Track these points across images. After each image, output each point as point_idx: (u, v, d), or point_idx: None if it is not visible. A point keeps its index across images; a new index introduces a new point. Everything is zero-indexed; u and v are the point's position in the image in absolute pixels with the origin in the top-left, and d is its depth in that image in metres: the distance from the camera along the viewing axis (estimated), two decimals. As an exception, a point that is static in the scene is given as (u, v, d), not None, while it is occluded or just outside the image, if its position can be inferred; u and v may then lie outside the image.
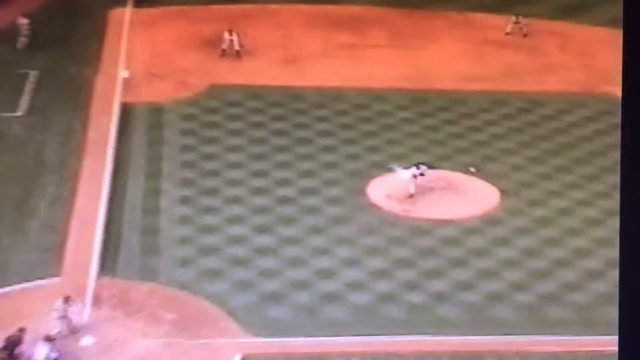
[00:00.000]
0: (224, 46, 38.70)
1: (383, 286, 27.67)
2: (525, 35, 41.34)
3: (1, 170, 32.45)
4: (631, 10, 5.88)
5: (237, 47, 38.62)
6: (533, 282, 28.07)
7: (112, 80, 37.40)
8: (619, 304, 6.30)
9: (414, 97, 37.04)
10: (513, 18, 41.72)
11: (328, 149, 34.09)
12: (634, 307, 6.20)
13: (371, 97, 37.27)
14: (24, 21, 39.87)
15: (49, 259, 28.15)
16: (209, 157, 33.49)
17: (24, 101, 35.90)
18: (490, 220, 30.69)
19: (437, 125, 35.68)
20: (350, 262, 28.66)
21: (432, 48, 40.63)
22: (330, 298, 27.34)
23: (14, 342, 24.94)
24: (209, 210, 30.54)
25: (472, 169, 33.02)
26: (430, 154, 33.74)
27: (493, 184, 32.27)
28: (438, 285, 27.76)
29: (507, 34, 40.89)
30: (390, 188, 31.76)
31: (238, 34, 38.72)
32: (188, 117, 35.71)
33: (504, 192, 31.82)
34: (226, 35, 38.79)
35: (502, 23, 41.41)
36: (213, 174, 32.58)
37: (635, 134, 5.94)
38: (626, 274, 6.23)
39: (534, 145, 34.68)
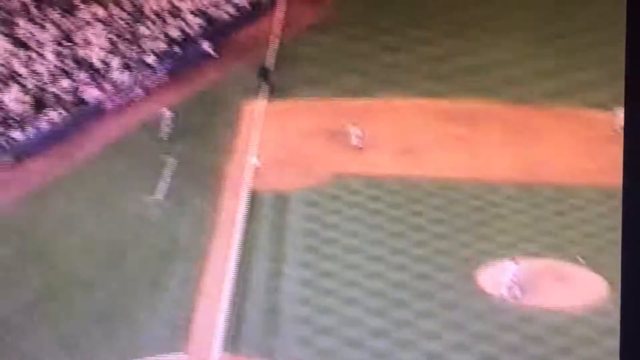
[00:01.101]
0: (352, 140, 38.91)
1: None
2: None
3: (139, 249, 32.92)
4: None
5: (358, 141, 38.70)
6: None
7: (242, 167, 37.93)
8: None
9: (524, 188, 35.98)
10: (621, 115, 40.65)
11: (441, 236, 33.40)
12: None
13: (483, 187, 36.39)
14: (166, 113, 41.00)
15: (177, 334, 28.15)
16: (329, 241, 33.15)
17: (163, 186, 36.65)
18: (597, 310, 29.21)
19: (546, 216, 34.55)
20: (460, 347, 27.82)
21: (542, 142, 39.86)
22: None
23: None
24: (327, 292, 30.08)
25: (581, 260, 31.83)
26: (540, 244, 32.63)
27: (601, 275, 30.75)
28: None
29: (615, 130, 39.93)
30: (499, 276, 30.79)
31: (361, 128, 38.88)
32: (311, 204, 35.63)
33: (612, 284, 30.35)
34: (351, 128, 39.06)
35: (610, 119, 40.61)
36: (332, 258, 32.24)
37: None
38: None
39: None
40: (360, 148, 38.44)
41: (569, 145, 39.56)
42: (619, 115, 41.61)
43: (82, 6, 47.87)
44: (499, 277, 31.11)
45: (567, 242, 32.81)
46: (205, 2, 51.10)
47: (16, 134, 38.48)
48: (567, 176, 36.99)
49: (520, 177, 36.93)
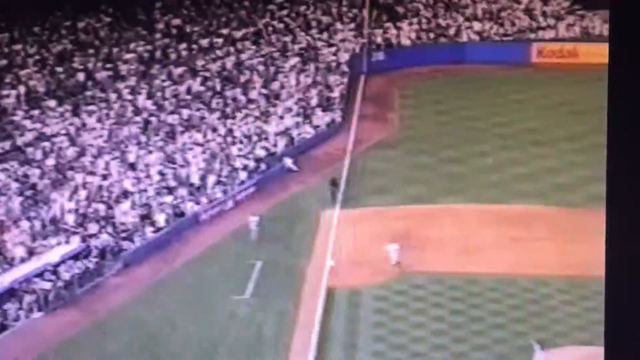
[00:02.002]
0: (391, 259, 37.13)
1: None
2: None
3: (229, 343, 32.64)
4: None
5: (397, 259, 37.04)
6: None
7: (321, 268, 37.52)
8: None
9: (573, 282, 35.09)
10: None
11: (499, 326, 32.58)
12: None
13: (536, 281, 35.63)
14: (254, 220, 41.22)
15: None
16: (396, 332, 32.68)
17: (250, 286, 36.70)
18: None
19: (595, 307, 33.48)
20: None
21: (589, 241, 38.98)
22: None
23: None
24: None
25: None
26: (590, 332, 31.57)
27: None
28: None
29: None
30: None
31: (402, 247, 37.52)
32: (380, 299, 35.11)
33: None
34: (389, 246, 37.34)
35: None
36: (400, 347, 31.63)
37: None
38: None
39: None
40: (399, 262, 36.96)
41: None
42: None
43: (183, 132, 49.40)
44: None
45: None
46: (287, 124, 52.24)
47: (125, 244, 39.18)
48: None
49: (570, 272, 35.75)
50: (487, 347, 31.24)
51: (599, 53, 59.69)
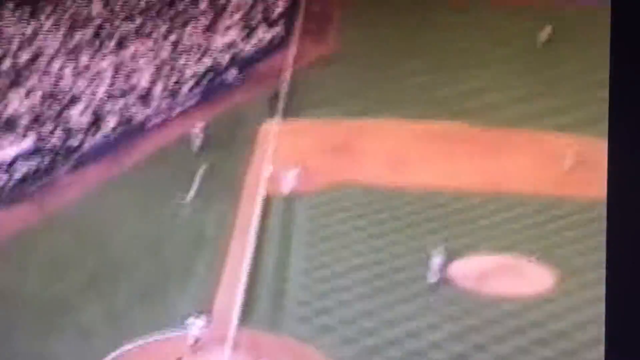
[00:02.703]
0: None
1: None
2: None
3: (173, 241, 33.26)
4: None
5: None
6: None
7: (259, 175, 38.00)
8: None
9: (495, 196, 36.15)
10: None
11: (414, 237, 33.32)
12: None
13: (457, 194, 36.32)
14: (198, 130, 40.94)
15: (202, 312, 28.36)
16: (327, 238, 33.61)
17: (193, 190, 36.78)
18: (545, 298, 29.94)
19: (508, 219, 34.61)
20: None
21: (506, 158, 39.71)
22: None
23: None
24: (323, 280, 30.61)
25: (532, 257, 32.14)
26: (501, 241, 32.82)
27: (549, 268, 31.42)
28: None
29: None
30: (466, 269, 31.46)
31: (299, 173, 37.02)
32: (314, 206, 35.84)
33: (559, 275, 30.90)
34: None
35: (567, 142, 40.67)
36: (328, 252, 32.59)
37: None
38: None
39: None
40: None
41: (528, 161, 39.59)
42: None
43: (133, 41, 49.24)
44: (466, 270, 31.84)
45: (522, 241, 33.13)
46: (231, 39, 52.23)
47: (76, 144, 39.31)
48: (524, 187, 37.10)
49: (486, 187, 37.26)
50: (403, 255, 32.23)
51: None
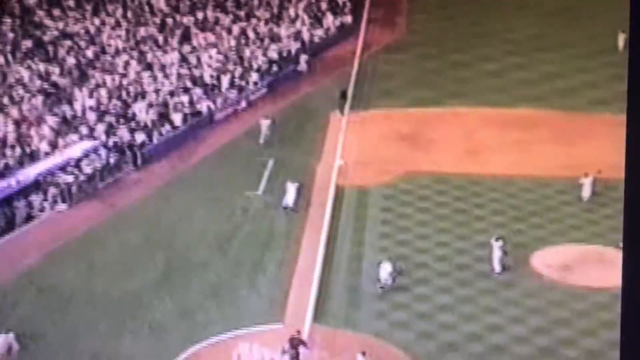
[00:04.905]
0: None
1: (541, 341, 26.18)
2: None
3: (243, 237, 32.68)
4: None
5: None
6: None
7: (330, 167, 37.62)
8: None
9: (572, 184, 34.75)
10: None
11: (499, 224, 32.50)
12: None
13: (536, 182, 35.35)
14: (266, 121, 41.02)
15: (275, 309, 27.95)
16: (402, 229, 32.59)
17: (263, 183, 36.82)
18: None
19: (592, 208, 33.39)
20: (516, 320, 27.19)
21: (589, 143, 38.22)
22: (499, 349, 26.35)
23: (297, 342, 25.37)
24: (400, 273, 29.95)
25: (621, 245, 31.21)
26: (586, 232, 31.63)
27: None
28: (591, 342, 26.13)
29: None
30: (551, 259, 30.45)
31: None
32: (387, 197, 35.02)
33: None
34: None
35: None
36: (405, 243, 31.64)
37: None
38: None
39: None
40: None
41: (606, 145, 38.80)
42: None
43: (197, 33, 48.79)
44: (549, 260, 30.87)
45: (610, 229, 31.22)
46: (299, 27, 51.45)
47: (144, 141, 38.79)
48: (609, 171, 35.45)
49: (569, 173, 35.53)
50: (487, 244, 30.75)
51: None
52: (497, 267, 29.84)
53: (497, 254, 30.13)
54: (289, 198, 34.77)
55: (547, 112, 42.17)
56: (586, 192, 34.43)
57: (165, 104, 41.05)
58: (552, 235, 32.06)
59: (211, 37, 48.13)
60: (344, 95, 44.36)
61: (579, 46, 49.33)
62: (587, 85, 45.00)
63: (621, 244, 5.69)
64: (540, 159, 37.70)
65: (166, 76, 43.60)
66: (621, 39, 46.16)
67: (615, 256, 31.06)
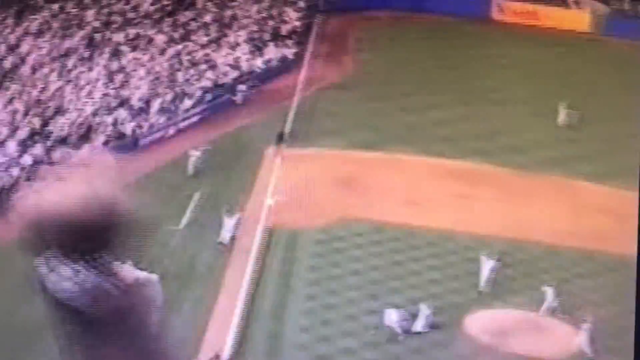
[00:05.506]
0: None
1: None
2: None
3: (161, 273, 32.78)
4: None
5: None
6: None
7: (260, 205, 38.10)
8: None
9: (514, 245, 35.51)
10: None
11: (434, 281, 33.24)
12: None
13: (476, 240, 35.86)
14: (195, 152, 41.21)
15: (188, 352, 28.47)
16: (332, 278, 33.22)
17: (186, 218, 36.96)
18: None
19: (531, 272, 33.87)
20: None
21: (532, 205, 39.37)
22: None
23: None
24: (326, 323, 30.43)
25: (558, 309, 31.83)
26: (524, 295, 32.22)
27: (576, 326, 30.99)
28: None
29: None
30: (485, 323, 30.99)
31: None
32: (318, 242, 35.54)
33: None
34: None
35: (601, 191, 40.29)
36: (334, 292, 32.46)
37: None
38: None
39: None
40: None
41: (556, 210, 39.40)
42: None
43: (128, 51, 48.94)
44: (484, 324, 31.49)
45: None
46: (237, 55, 51.95)
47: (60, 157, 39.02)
48: (551, 237, 36.61)
49: (510, 234, 36.87)
50: (422, 300, 31.63)
51: (559, 17, 61.69)
52: (420, 327, 30.39)
53: (424, 312, 30.71)
54: (226, 233, 34.96)
55: (494, 168, 43.60)
56: None
57: (86, 124, 41.67)
58: (489, 298, 33.13)
59: (143, 57, 48.85)
60: (281, 132, 44.91)
61: (532, 103, 51.09)
62: (537, 144, 46.46)
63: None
64: (483, 216, 38.54)
65: (89, 94, 43.98)
66: (562, 113, 47.62)
67: (551, 324, 32.24)
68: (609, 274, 34.79)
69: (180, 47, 50.58)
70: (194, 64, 49.32)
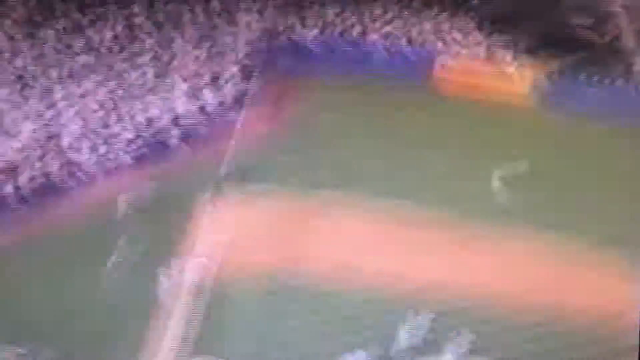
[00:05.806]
0: None
1: None
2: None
3: (81, 320, 32.73)
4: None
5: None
6: None
7: (188, 259, 38.03)
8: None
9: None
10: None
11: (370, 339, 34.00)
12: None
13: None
14: (124, 197, 40.74)
15: None
16: (266, 333, 33.61)
17: (108, 267, 36.46)
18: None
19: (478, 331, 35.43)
20: None
21: (481, 253, 40.48)
22: None
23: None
24: None
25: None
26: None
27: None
28: None
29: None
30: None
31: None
32: (251, 301, 35.90)
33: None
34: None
35: (553, 238, 40.97)
36: (272, 349, 32.60)
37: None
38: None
39: None
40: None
41: (503, 259, 40.27)
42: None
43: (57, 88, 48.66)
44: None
45: None
46: (174, 99, 51.83)
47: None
48: (510, 289, 37.53)
49: (462, 286, 37.59)
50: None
51: (499, 87, 62.66)
52: None
53: None
54: (156, 286, 34.48)
55: (447, 215, 43.82)
56: None
57: (11, 162, 41.14)
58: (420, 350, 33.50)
59: (74, 94, 48.57)
60: (217, 177, 44.87)
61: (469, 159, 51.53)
62: (485, 191, 46.71)
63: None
64: (438, 265, 39.12)
65: (16, 133, 43.51)
66: (496, 180, 47.56)
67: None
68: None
69: (113, 85, 50.55)
70: (127, 105, 49.29)
